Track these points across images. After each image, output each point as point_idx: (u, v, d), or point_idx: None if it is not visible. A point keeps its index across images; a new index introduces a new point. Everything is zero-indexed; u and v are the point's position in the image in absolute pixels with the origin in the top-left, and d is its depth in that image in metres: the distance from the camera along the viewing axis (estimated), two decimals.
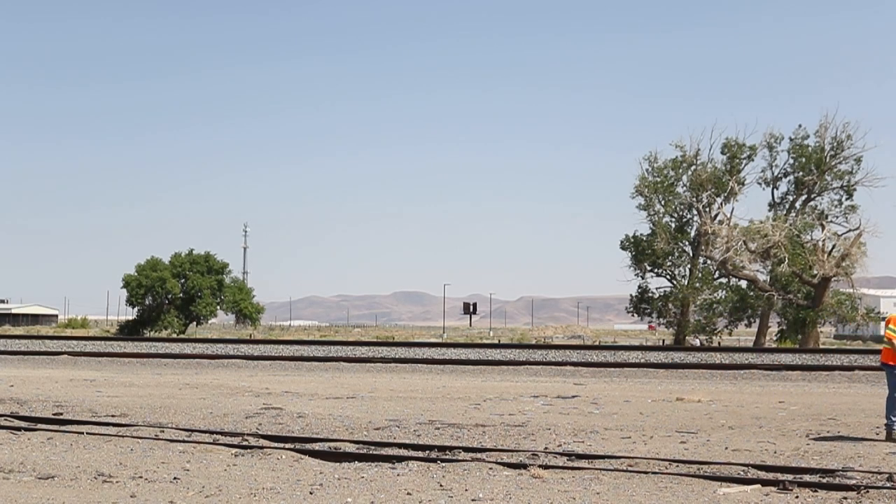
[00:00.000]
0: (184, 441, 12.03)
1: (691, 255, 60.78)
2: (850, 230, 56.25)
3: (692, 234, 60.54)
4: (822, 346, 51.93)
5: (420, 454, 10.98)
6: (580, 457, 10.63)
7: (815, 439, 12.25)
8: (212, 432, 12.90)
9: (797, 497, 8.57)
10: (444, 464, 10.24)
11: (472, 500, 8.49)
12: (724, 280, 61.12)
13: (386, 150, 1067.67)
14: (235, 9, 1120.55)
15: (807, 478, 9.31)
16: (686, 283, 60.32)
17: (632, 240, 61.37)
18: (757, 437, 12.52)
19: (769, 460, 10.54)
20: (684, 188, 60.21)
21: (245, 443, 11.96)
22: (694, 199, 59.25)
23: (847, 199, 57.57)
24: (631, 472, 9.70)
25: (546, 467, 9.92)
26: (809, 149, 57.96)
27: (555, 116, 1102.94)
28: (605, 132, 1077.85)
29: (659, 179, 59.94)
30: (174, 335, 71.12)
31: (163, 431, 12.99)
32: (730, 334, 66.37)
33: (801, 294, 57.06)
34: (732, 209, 59.01)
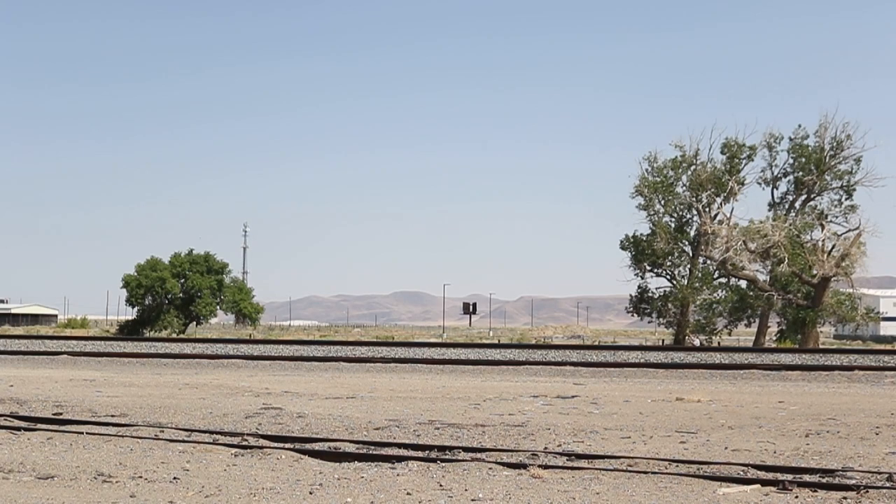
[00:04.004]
0: (184, 441, 12.03)
1: (691, 255, 60.80)
2: (849, 230, 56.33)
3: (692, 234, 60.57)
4: (821, 346, 51.95)
5: (420, 454, 10.98)
6: (580, 457, 10.63)
7: (815, 439, 12.25)
8: (212, 432, 12.90)
9: (797, 497, 8.57)
10: (443, 464, 10.24)
11: (472, 500, 8.49)
12: (723, 280, 61.15)
13: (386, 151, 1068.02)
14: (235, 9, 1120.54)
15: (806, 478, 9.31)
16: (686, 283, 60.34)
17: (632, 240, 61.38)
18: (757, 437, 12.52)
19: (769, 460, 10.54)
20: (684, 188, 60.25)
21: (245, 443, 11.96)
22: (694, 199, 59.27)
23: (847, 199, 57.65)
24: (631, 472, 9.70)
25: (546, 467, 9.92)
26: (809, 149, 58.00)
27: (554, 116, 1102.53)
28: (605, 132, 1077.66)
29: (659, 179, 59.97)
30: (174, 335, 71.13)
31: (163, 431, 12.99)
32: (729, 334, 66.40)
33: (801, 294, 57.08)
34: (732, 209, 59.09)
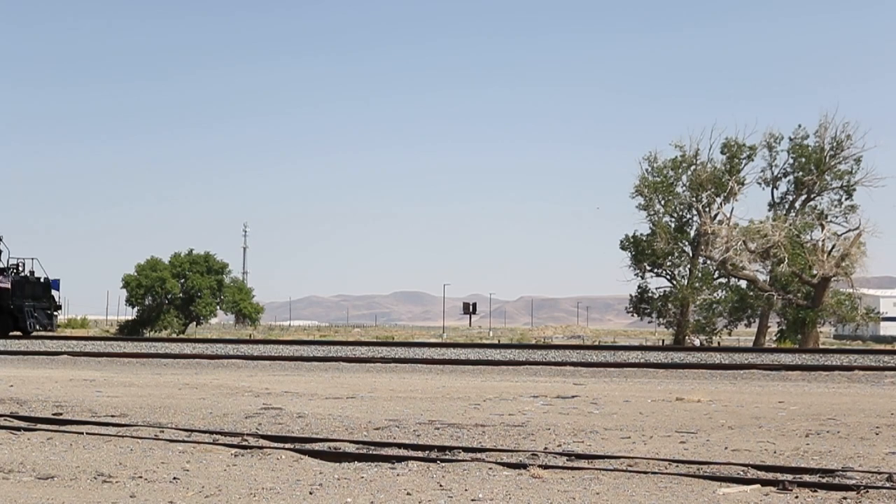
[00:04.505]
0: (183, 441, 12.03)
1: (691, 255, 60.84)
2: (849, 230, 56.44)
3: (692, 234, 60.60)
4: (821, 346, 51.96)
5: (420, 454, 10.98)
6: (580, 457, 10.63)
7: (815, 439, 12.24)
8: (211, 432, 12.89)
9: (797, 497, 8.57)
10: (443, 464, 10.24)
11: (472, 500, 8.49)
12: (723, 280, 61.18)
13: (386, 151, 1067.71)
14: (235, 9, 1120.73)
15: (806, 478, 9.30)
16: (686, 283, 60.36)
17: (632, 240, 61.42)
18: (757, 437, 12.52)
19: (769, 460, 10.53)
20: (684, 188, 60.28)
21: (245, 443, 11.95)
22: (694, 199, 59.30)
23: (847, 199, 57.73)
24: (631, 472, 9.70)
25: (546, 467, 9.91)
26: (809, 149, 58.05)
27: (554, 116, 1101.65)
28: (605, 132, 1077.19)
29: (659, 179, 60.01)
30: (174, 335, 71.15)
31: (162, 431, 12.99)
32: (729, 334, 66.46)
33: (801, 294, 57.11)
34: (732, 209, 59.21)
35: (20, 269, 44.05)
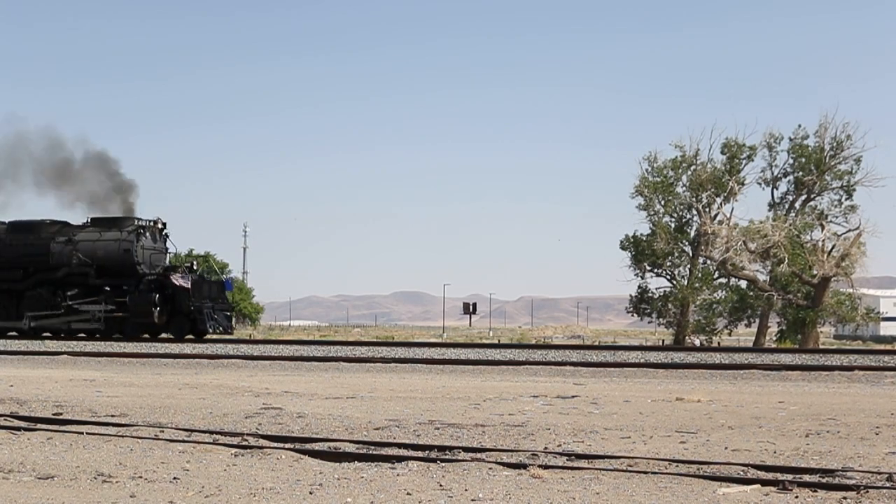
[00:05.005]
0: (184, 441, 12.03)
1: (691, 255, 60.83)
2: (849, 230, 56.48)
3: (692, 234, 60.59)
4: (821, 346, 51.96)
5: (420, 454, 10.98)
6: (580, 457, 10.62)
7: (815, 439, 12.24)
8: (212, 432, 12.89)
9: (797, 497, 8.56)
10: (443, 464, 10.24)
11: (472, 499, 8.49)
12: (723, 280, 61.18)
13: (386, 151, 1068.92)
14: (235, 9, 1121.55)
15: (806, 478, 9.30)
16: (686, 283, 60.36)
17: (632, 240, 61.39)
18: (757, 437, 12.51)
19: (769, 460, 10.53)
20: (684, 188, 60.28)
21: (245, 443, 11.95)
22: (694, 200, 59.30)
23: (847, 199, 57.74)
24: (631, 472, 9.70)
25: (546, 467, 9.91)
26: (809, 149, 58.05)
27: (554, 116, 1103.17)
28: (605, 132, 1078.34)
29: (659, 179, 60.00)
30: None
31: (163, 431, 12.98)
32: (729, 334, 66.44)
33: (801, 294, 57.12)
34: (732, 209, 59.21)
35: (194, 267, 41.95)
